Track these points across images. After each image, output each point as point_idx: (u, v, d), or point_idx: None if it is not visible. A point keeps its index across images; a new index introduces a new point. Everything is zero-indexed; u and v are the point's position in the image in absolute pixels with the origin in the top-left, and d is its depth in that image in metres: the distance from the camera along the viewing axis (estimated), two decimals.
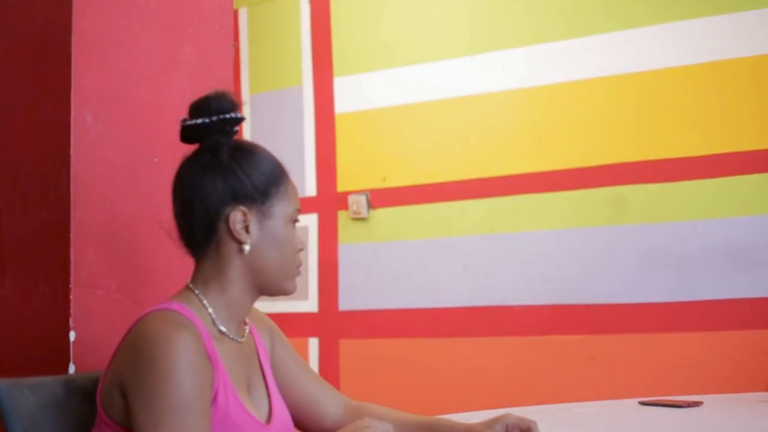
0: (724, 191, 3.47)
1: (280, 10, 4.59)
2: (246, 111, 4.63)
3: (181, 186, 1.47)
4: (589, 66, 3.76)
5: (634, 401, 2.21)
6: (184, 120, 1.48)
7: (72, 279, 1.84)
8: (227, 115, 1.45)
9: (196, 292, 1.46)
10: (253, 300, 1.52)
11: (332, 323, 4.36)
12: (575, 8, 3.81)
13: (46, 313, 1.84)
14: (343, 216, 4.34)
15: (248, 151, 1.48)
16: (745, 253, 3.42)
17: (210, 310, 1.44)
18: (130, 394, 1.31)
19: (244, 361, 1.50)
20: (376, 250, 4.25)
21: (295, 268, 1.51)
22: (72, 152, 1.88)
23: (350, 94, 4.36)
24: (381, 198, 4.25)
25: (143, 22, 2.23)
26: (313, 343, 4.40)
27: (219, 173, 1.44)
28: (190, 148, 1.53)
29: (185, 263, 1.57)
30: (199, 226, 1.45)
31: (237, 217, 1.44)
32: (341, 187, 4.36)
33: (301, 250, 1.53)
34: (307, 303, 4.44)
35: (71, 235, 1.84)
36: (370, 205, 4.27)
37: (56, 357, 1.80)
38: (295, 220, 1.52)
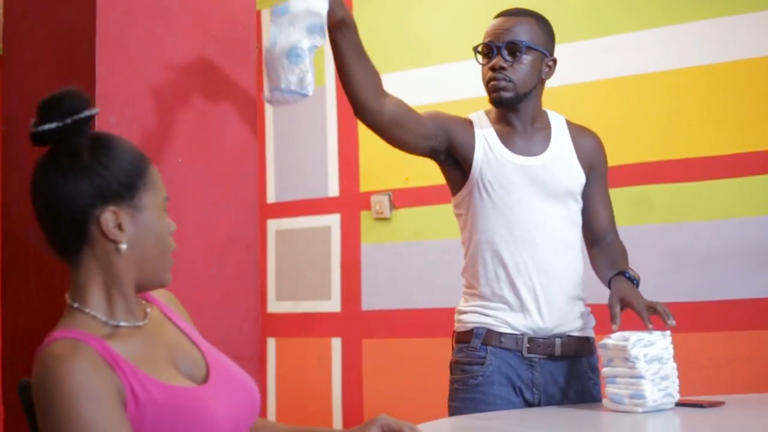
0: (747, 190, 3.45)
1: None
2: (268, 111, 4.65)
3: (43, 194, 1.42)
4: (610, 66, 3.75)
5: None
6: (36, 124, 1.40)
7: None
8: (81, 115, 1.40)
9: (76, 306, 1.42)
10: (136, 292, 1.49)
11: (355, 323, 4.37)
12: (596, 8, 3.80)
13: None
14: (365, 216, 4.36)
15: (107, 147, 1.43)
16: None
17: (97, 314, 1.42)
18: None
19: (155, 340, 1.47)
20: (399, 250, 4.26)
21: (170, 257, 1.49)
22: None
23: None
24: (403, 198, 4.25)
25: (167, 23, 2.25)
26: (336, 343, 4.42)
27: (81, 176, 1.39)
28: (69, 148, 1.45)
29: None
30: (69, 233, 1.41)
31: (108, 217, 1.40)
32: (364, 187, 4.37)
33: (174, 231, 1.50)
34: (330, 303, 4.45)
35: None
36: (393, 205, 4.28)
37: None
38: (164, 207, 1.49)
